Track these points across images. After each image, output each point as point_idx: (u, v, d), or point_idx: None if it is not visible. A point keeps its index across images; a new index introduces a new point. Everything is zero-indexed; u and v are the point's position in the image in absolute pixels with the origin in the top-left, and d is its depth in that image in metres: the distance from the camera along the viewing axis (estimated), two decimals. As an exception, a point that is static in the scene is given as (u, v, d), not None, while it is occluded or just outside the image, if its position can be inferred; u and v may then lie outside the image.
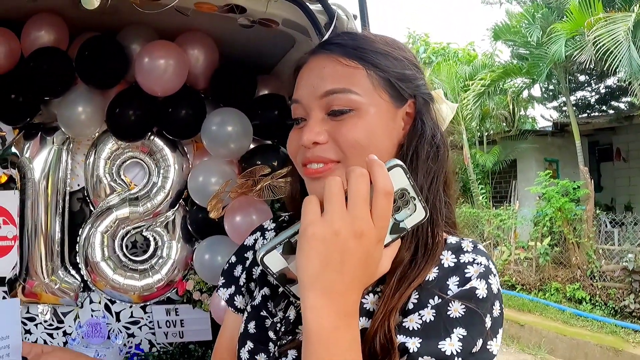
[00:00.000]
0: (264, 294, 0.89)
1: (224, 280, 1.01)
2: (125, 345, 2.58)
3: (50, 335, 2.73)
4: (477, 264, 0.73)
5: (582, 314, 6.76)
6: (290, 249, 0.64)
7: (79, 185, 2.68)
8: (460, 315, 0.68)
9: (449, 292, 0.71)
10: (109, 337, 2.46)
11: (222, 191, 2.09)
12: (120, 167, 2.61)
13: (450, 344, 0.66)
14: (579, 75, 11.70)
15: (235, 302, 0.98)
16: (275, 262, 0.65)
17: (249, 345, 0.85)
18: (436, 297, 0.70)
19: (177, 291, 2.68)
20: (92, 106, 2.38)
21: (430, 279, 0.72)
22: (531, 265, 8.09)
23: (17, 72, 2.33)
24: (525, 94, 11.62)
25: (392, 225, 0.65)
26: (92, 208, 2.64)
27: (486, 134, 11.66)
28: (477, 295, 0.69)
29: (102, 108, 2.40)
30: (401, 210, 0.66)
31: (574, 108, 10.95)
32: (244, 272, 0.98)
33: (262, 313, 0.87)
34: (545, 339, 6.17)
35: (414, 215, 0.66)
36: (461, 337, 0.67)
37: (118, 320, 2.72)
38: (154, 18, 2.27)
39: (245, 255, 1.00)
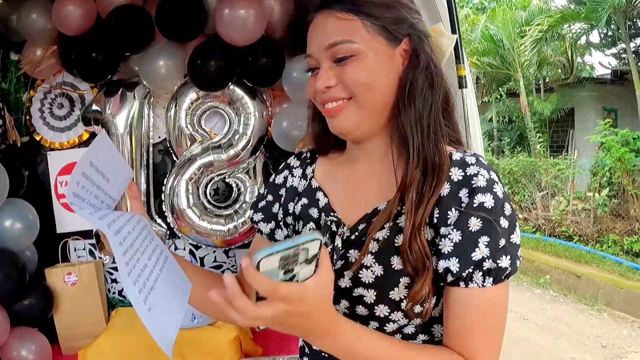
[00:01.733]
0: (311, 227, 1.03)
1: (262, 216, 1.15)
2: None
3: (137, 282, 2.89)
4: (482, 175, 0.87)
5: (639, 267, 6.66)
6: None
7: (159, 137, 2.77)
8: (480, 227, 0.84)
9: (462, 204, 0.86)
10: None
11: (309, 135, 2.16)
12: (201, 117, 2.69)
13: (480, 252, 0.84)
14: (639, 21, 11.14)
15: (275, 236, 1.14)
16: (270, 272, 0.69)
17: None
18: (454, 209, 0.86)
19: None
20: (172, 59, 2.43)
21: (444, 194, 0.87)
22: (589, 217, 7.97)
23: (95, 32, 2.40)
24: (583, 40, 11.17)
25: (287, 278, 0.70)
26: (174, 159, 2.73)
27: (543, 81, 11.34)
28: (487, 207, 0.85)
29: (183, 60, 2.46)
30: (294, 271, 0.70)
31: (634, 55, 10.47)
32: (281, 208, 1.13)
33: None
34: (603, 291, 6.14)
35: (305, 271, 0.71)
36: (486, 243, 0.84)
37: (202, 265, 2.85)
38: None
39: (280, 192, 1.15)
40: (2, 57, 2.62)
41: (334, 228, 0.97)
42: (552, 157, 9.83)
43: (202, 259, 2.87)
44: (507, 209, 0.86)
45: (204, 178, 2.65)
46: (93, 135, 2.77)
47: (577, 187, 8.65)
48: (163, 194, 2.71)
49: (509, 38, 10.24)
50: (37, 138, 2.76)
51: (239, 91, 2.57)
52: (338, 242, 0.95)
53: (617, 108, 10.91)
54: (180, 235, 2.77)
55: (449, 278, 0.85)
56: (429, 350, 0.88)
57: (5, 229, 2.34)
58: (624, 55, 11.49)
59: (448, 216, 0.87)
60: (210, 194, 2.75)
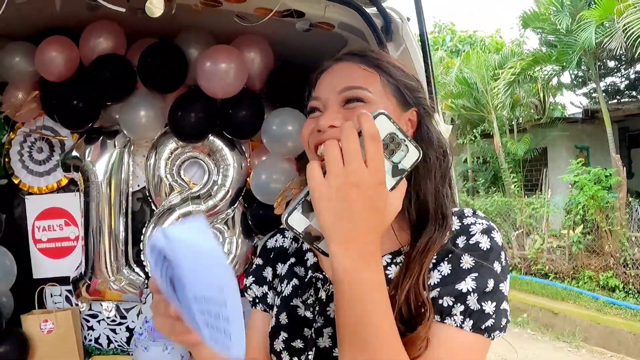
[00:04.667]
0: (293, 284, 1.01)
1: (254, 279, 1.13)
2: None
3: (113, 330, 2.84)
4: (479, 224, 0.88)
5: (615, 302, 6.77)
6: (309, 207, 0.73)
7: (138, 185, 2.78)
8: (471, 266, 0.83)
9: (458, 248, 0.86)
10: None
11: (288, 188, 2.19)
12: (180, 167, 2.71)
13: (465, 284, 0.82)
14: (608, 61, 11.57)
15: (267, 299, 1.09)
16: (298, 222, 0.74)
17: (283, 335, 0.96)
18: (450, 254, 0.85)
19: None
20: (153, 109, 2.47)
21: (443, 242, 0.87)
22: (564, 254, 8.10)
23: (77, 79, 2.42)
24: (554, 81, 11.52)
25: (392, 168, 0.74)
26: (153, 207, 2.74)
27: (517, 122, 11.61)
28: (482, 248, 0.85)
29: (163, 110, 2.49)
30: (395, 152, 0.74)
31: (604, 94, 10.83)
32: (271, 270, 1.10)
33: (292, 302, 0.98)
34: (580, 327, 6.21)
35: (409, 155, 0.75)
36: (474, 278, 0.82)
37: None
38: (209, 22, 2.37)
39: (270, 256, 1.13)
40: (-18, 98, 2.60)
41: (319, 285, 0.95)
42: (526, 196, 9.99)
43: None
44: (502, 258, 0.86)
45: (183, 228, 2.64)
46: (73, 181, 2.77)
47: (552, 225, 8.78)
48: (142, 243, 2.71)
49: (482, 81, 10.51)
50: (16, 181, 2.75)
51: (218, 142, 2.61)
52: (322, 295, 0.94)
53: (589, 146, 11.16)
54: (158, 284, 2.73)
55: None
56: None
57: None
58: (594, 95, 11.88)
59: (444, 261, 0.86)
60: (188, 244, 2.74)
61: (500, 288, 0.84)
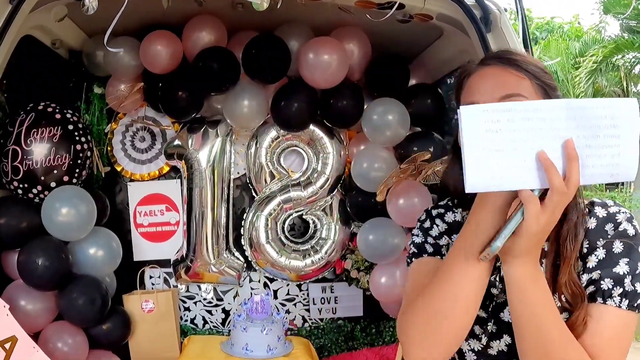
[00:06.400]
0: None
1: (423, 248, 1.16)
2: (282, 324, 2.77)
3: (209, 312, 3.00)
4: (623, 212, 1.01)
5: None
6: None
7: (238, 173, 2.90)
8: (622, 250, 0.97)
9: (609, 235, 0.98)
10: (270, 314, 2.66)
11: (390, 177, 2.24)
12: (280, 155, 2.83)
13: (621, 268, 0.95)
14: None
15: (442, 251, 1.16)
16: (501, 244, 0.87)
17: None
18: (601, 239, 0.99)
19: (334, 270, 2.92)
20: (256, 99, 2.57)
21: (592, 228, 1.00)
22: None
23: (182, 71, 2.55)
24: (637, 69, 10.96)
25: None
26: (253, 194, 2.87)
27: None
28: (629, 234, 0.98)
29: (266, 100, 2.59)
30: None
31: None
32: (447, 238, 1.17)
33: None
34: None
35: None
36: (626, 262, 0.96)
37: (275, 297, 2.97)
38: (307, 15, 2.43)
39: (430, 233, 1.17)
40: (86, 90, 2.77)
41: (499, 264, 1.02)
42: (608, 190, 9.61)
43: (275, 291, 2.98)
44: None
45: (282, 214, 2.78)
46: (174, 169, 2.92)
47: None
48: (242, 228, 2.84)
49: (563, 69, 10.18)
50: (118, 169, 2.91)
51: (318, 131, 2.70)
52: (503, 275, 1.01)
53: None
54: (256, 267, 2.89)
55: (590, 289, 0.96)
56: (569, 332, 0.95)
57: (90, 256, 2.48)
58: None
59: (597, 245, 0.99)
60: (287, 229, 2.87)
61: None
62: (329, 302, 3.00)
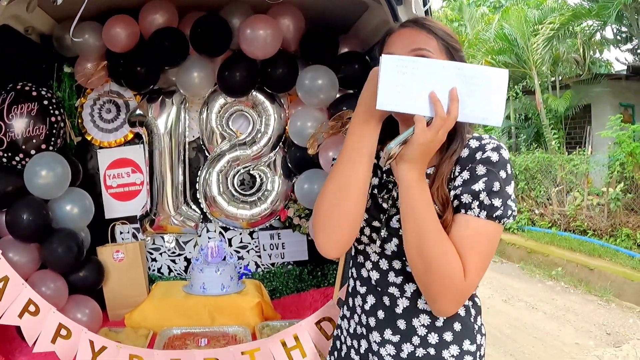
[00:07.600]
0: (374, 183, 1.35)
1: None
2: (235, 266, 3.14)
3: (173, 261, 3.35)
4: (492, 143, 1.19)
5: (651, 260, 6.68)
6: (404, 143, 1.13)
7: (193, 136, 3.25)
8: (483, 172, 1.16)
9: (476, 161, 1.17)
10: (224, 258, 3.03)
11: (318, 132, 2.58)
12: (229, 119, 3.18)
13: (478, 185, 1.15)
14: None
15: None
16: (395, 150, 1.13)
17: (365, 215, 1.33)
18: (470, 165, 1.17)
19: (279, 218, 3.25)
20: (204, 71, 2.90)
21: (464, 156, 1.20)
22: (603, 211, 7.98)
23: (140, 49, 2.84)
24: (598, 36, 11.18)
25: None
26: (206, 154, 3.23)
27: (558, 79, 11.35)
28: (492, 160, 1.16)
29: (213, 71, 2.92)
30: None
31: (649, 50, 10.37)
32: None
33: (374, 192, 1.37)
34: (613, 283, 6.15)
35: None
36: (484, 181, 1.15)
37: (230, 245, 3.33)
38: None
39: None
40: (57, 69, 3.07)
41: (390, 186, 1.30)
42: (568, 153, 9.77)
43: (230, 239, 3.35)
44: (508, 168, 1.17)
45: (232, 170, 3.15)
46: (137, 135, 3.24)
47: (595, 183, 8.66)
48: (197, 184, 3.20)
49: (522, 36, 10.30)
50: (89, 138, 3.22)
51: (260, 96, 3.06)
52: (394, 193, 1.27)
53: (634, 103, 10.90)
54: (212, 218, 3.25)
55: (455, 202, 1.17)
56: (442, 229, 1.16)
57: (67, 212, 2.75)
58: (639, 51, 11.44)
59: (465, 168, 1.18)
60: (237, 184, 3.24)
61: (506, 189, 1.16)
62: (277, 248, 3.31)
